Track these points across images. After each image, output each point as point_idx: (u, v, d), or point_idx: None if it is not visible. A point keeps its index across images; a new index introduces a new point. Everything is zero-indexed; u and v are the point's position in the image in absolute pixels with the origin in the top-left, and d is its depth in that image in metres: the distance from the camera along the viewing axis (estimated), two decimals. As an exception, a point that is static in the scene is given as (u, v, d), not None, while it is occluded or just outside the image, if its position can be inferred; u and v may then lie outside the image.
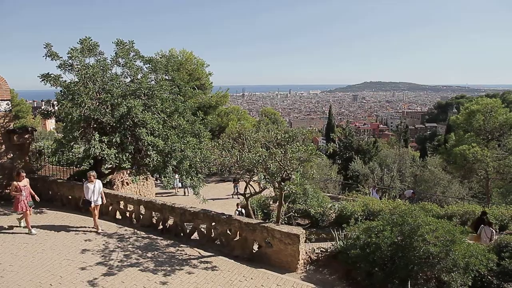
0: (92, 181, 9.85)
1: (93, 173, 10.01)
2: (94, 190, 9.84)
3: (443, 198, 23.25)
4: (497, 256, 8.14)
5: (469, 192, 26.68)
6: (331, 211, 14.18)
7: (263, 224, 8.92)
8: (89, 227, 10.07)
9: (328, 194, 20.41)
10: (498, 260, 8.14)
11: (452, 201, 21.26)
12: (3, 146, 12.17)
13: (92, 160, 12.22)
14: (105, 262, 8.08)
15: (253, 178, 10.18)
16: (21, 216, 9.72)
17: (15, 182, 9.26)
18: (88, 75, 10.79)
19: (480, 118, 23.86)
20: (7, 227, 9.93)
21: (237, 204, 14.79)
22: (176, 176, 16.09)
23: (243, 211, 13.71)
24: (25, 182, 9.42)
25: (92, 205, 9.80)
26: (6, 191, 12.33)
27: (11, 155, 12.40)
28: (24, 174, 9.61)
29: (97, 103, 10.66)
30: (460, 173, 24.85)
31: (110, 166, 12.55)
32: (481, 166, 22.53)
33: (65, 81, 11.04)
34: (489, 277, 7.95)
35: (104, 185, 12.88)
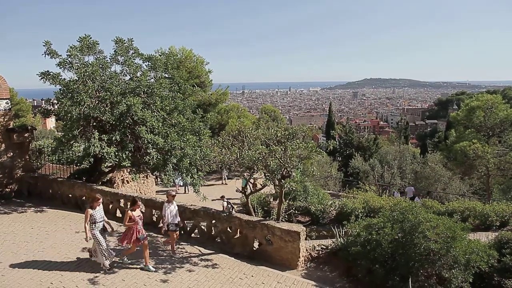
0: (172, 202, 8.77)
1: (173, 192, 9.04)
2: (176, 211, 8.79)
3: (443, 195, 23.25)
4: (498, 252, 8.14)
5: (470, 189, 26.68)
6: (332, 208, 14.19)
7: (264, 222, 8.91)
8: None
9: (328, 191, 20.42)
10: (499, 256, 8.14)
11: (453, 197, 21.27)
12: (3, 145, 12.17)
13: (92, 159, 12.21)
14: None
15: (253, 176, 10.16)
16: (127, 250, 8.05)
17: (129, 212, 7.67)
18: (87, 73, 10.74)
19: (481, 114, 23.80)
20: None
21: (222, 197, 14.81)
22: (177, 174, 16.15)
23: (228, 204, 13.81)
24: (139, 212, 7.85)
25: (175, 228, 8.72)
26: (7, 189, 12.35)
27: (11, 154, 12.39)
28: (140, 203, 8.05)
29: (97, 101, 10.62)
30: (461, 169, 24.82)
31: (110, 164, 12.52)
32: (481, 163, 22.49)
33: (64, 79, 11.00)
34: (490, 273, 7.95)
35: (104, 183, 12.91)
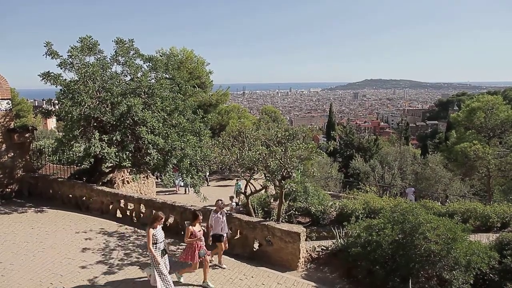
0: (221, 211, 8.32)
1: (222, 200, 8.50)
2: (224, 220, 8.33)
3: (444, 196, 23.19)
4: (498, 254, 8.12)
5: (471, 190, 26.62)
6: (332, 209, 14.16)
7: (264, 223, 8.90)
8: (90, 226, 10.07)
9: (328, 192, 20.38)
10: (500, 258, 8.11)
11: (454, 198, 21.22)
12: (4, 145, 12.18)
13: (93, 159, 12.22)
14: (106, 261, 8.08)
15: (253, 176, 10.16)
16: (187, 268, 7.44)
17: (191, 228, 7.13)
18: (88, 73, 10.76)
19: (481, 115, 23.77)
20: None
21: (231, 198, 14.95)
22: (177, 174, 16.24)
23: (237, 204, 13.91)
24: (199, 226, 7.31)
25: (225, 238, 8.34)
26: (7, 189, 12.35)
27: (12, 154, 12.41)
28: (202, 217, 7.45)
29: (97, 102, 10.63)
30: (462, 170, 24.79)
31: (111, 164, 12.53)
32: (482, 164, 22.47)
33: (65, 80, 11.02)
34: (490, 275, 7.93)
35: (105, 184, 12.91)
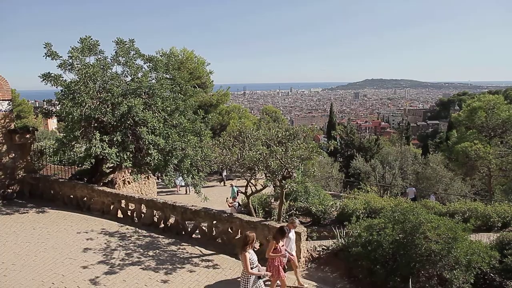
0: (291, 230, 7.82)
1: (297, 222, 8.04)
2: (294, 239, 7.95)
3: (445, 196, 23.19)
4: (499, 253, 8.12)
5: (472, 190, 26.60)
6: (333, 209, 14.18)
7: (264, 222, 8.91)
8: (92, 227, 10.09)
9: (329, 192, 20.40)
10: (501, 257, 8.12)
11: (454, 198, 21.20)
12: (5, 146, 12.21)
13: (93, 159, 12.23)
14: (107, 261, 8.10)
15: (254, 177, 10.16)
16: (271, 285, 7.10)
17: (275, 243, 6.72)
18: (88, 74, 10.76)
19: (482, 115, 23.77)
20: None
21: (234, 198, 15.06)
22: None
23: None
24: (282, 242, 6.84)
25: (294, 256, 7.74)
26: (9, 190, 12.38)
27: (13, 154, 12.44)
28: (290, 233, 7.02)
29: (98, 102, 10.64)
30: (462, 170, 24.79)
31: (111, 165, 12.54)
32: (483, 163, 22.47)
33: (66, 80, 11.03)
34: (491, 274, 7.94)
35: (106, 184, 12.93)
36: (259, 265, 6.32)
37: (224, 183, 25.37)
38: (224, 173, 25.24)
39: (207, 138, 12.18)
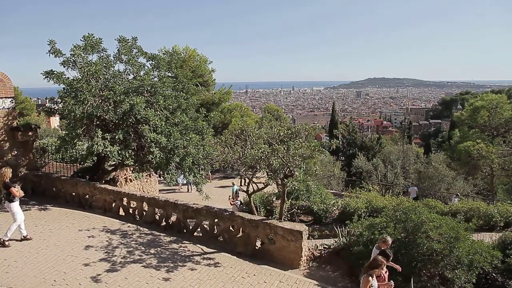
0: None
1: (390, 241, 6.97)
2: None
3: (447, 195, 23.13)
4: (501, 253, 8.10)
5: (474, 189, 26.53)
6: (334, 208, 14.17)
7: (266, 221, 8.91)
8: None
9: (331, 191, 20.40)
10: (503, 257, 8.10)
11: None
12: (7, 144, 12.23)
13: (95, 157, 12.26)
14: (108, 259, 8.12)
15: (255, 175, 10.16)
16: None
17: (368, 278, 5.54)
18: (91, 72, 10.78)
19: (485, 114, 23.68)
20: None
21: (237, 196, 15.08)
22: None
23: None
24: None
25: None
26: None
27: (15, 152, 12.47)
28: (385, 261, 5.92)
29: (100, 100, 10.66)
30: (465, 169, 24.71)
31: (113, 163, 12.57)
32: (486, 163, 22.39)
33: (68, 78, 11.04)
34: (493, 274, 7.91)
35: (107, 182, 12.96)
36: None
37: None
38: (183, 181, 21.69)
39: (209, 136, 12.19)
